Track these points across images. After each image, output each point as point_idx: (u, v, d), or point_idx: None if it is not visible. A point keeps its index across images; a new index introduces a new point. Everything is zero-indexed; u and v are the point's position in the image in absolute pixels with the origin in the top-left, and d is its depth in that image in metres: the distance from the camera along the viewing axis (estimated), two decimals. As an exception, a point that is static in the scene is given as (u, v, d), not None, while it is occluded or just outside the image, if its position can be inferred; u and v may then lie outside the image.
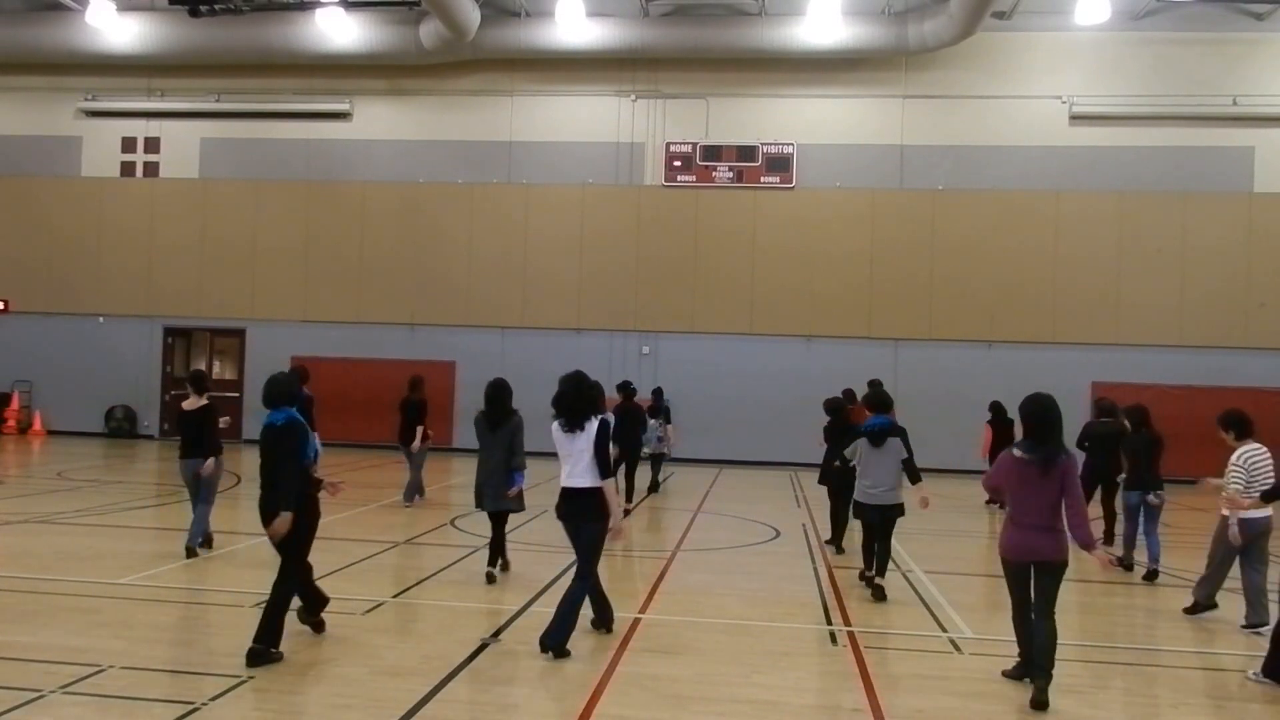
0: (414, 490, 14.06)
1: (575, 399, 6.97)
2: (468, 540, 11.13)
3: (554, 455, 7.05)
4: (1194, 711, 6.13)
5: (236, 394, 22.96)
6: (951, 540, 12.74)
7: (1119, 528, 11.34)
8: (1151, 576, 10.09)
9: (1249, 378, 20.17)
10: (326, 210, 23.59)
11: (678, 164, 22.75)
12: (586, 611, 7.49)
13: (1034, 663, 6.04)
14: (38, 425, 23.58)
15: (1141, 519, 10.41)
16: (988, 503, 15.48)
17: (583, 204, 22.92)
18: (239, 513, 12.88)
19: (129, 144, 24.25)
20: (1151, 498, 10.25)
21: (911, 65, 22.10)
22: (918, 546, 11.53)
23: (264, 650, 6.28)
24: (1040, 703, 5.87)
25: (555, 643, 6.69)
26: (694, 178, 22.68)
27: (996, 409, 15.56)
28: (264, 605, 6.47)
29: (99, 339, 23.98)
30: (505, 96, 23.10)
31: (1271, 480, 7.65)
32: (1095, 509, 10.93)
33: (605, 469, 6.92)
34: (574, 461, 6.90)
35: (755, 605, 8.44)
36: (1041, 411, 6.14)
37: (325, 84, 23.36)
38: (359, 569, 9.40)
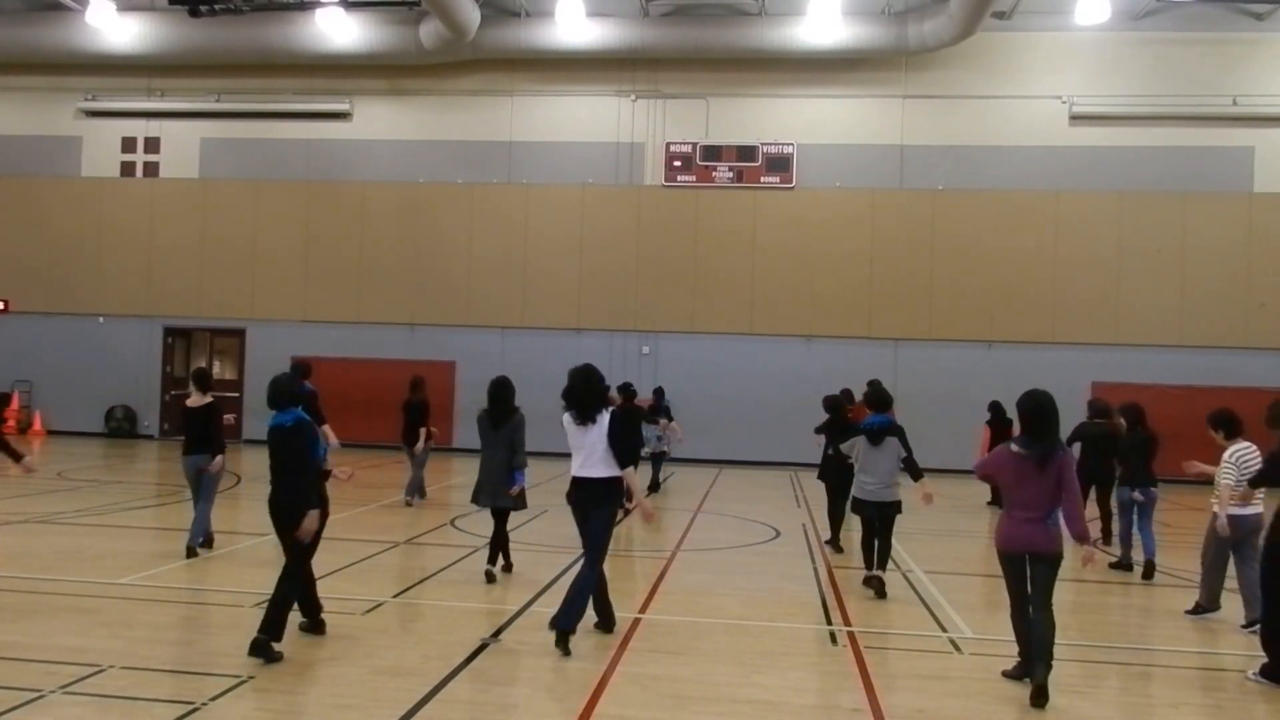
0: (416, 489, 14.10)
1: (585, 392, 7.08)
2: (468, 540, 11.13)
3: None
4: (1193, 712, 6.13)
5: (236, 394, 22.96)
6: (951, 540, 12.74)
7: (1116, 527, 11.35)
8: (1149, 571, 10.13)
9: (1249, 378, 20.16)
10: (326, 210, 23.59)
11: (678, 164, 22.75)
12: (588, 611, 7.51)
13: (1034, 654, 6.07)
14: (38, 425, 23.59)
15: (1135, 515, 10.48)
16: (989, 503, 15.51)
17: (583, 204, 22.92)
18: (239, 512, 12.89)
19: (129, 144, 24.26)
20: (1137, 494, 10.34)
21: (911, 65, 22.10)
22: (918, 546, 11.54)
23: (266, 641, 6.30)
24: (1041, 690, 5.92)
25: (562, 626, 6.79)
26: (694, 178, 22.68)
27: (995, 408, 15.58)
28: (265, 604, 6.48)
29: (99, 339, 23.98)
30: (505, 96, 23.11)
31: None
32: (1091, 509, 10.94)
33: (623, 459, 7.08)
34: (586, 453, 7.04)
35: (755, 605, 8.44)
36: (1038, 408, 6.23)
37: (325, 84, 23.36)
38: (359, 569, 9.40)
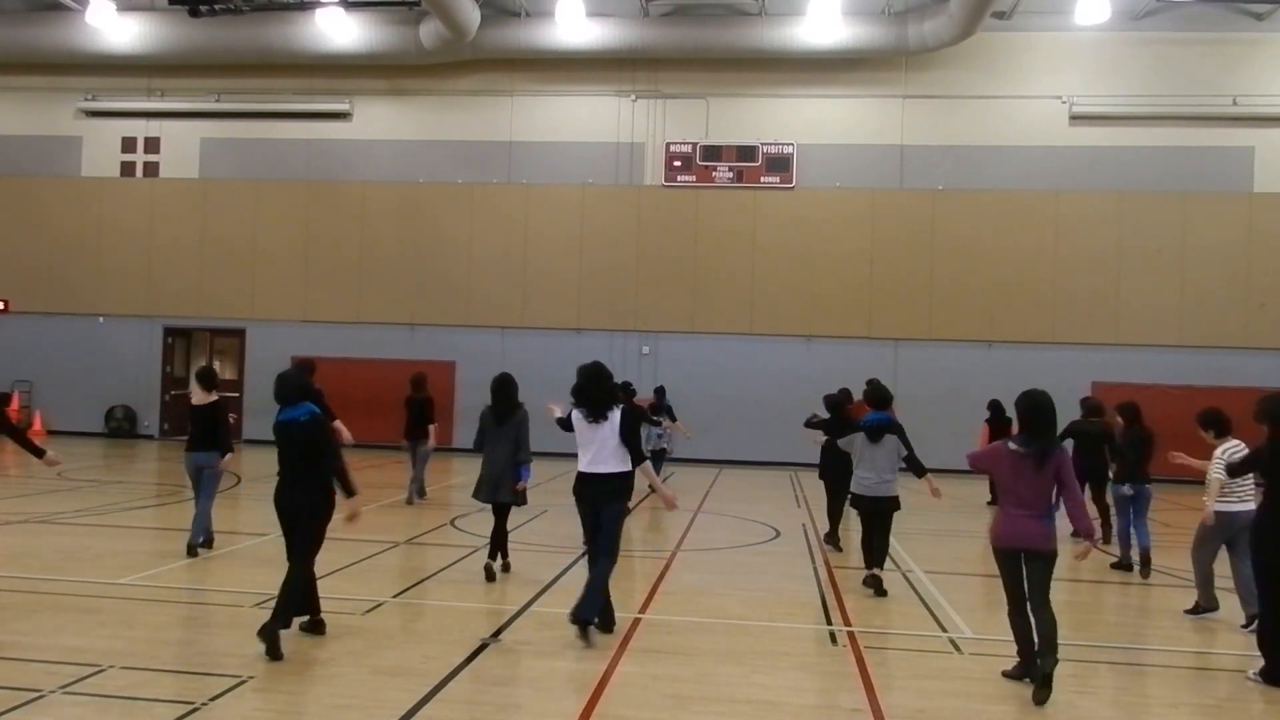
0: (418, 488, 14.14)
1: (596, 390, 7.22)
2: (468, 540, 11.13)
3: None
4: (1192, 711, 6.13)
5: (236, 394, 22.95)
6: (951, 540, 12.75)
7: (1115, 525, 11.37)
8: (1145, 564, 10.23)
9: (1249, 378, 20.13)
10: (326, 210, 23.59)
11: (678, 164, 22.75)
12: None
13: (1041, 649, 6.12)
14: (38, 425, 23.56)
15: (1130, 512, 10.53)
16: (989, 503, 15.50)
17: (583, 204, 22.92)
18: (239, 512, 12.89)
19: (129, 144, 24.26)
20: (1126, 488, 10.39)
21: (911, 65, 22.10)
22: (918, 546, 11.55)
23: (273, 630, 6.35)
24: (1047, 680, 5.99)
25: (585, 617, 6.94)
26: (694, 178, 22.68)
27: (994, 407, 15.61)
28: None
29: (99, 339, 23.98)
30: (505, 96, 23.10)
31: (1250, 476, 7.72)
32: (1090, 509, 10.94)
33: (638, 455, 7.28)
34: (596, 449, 7.16)
35: (755, 605, 8.44)
36: (1037, 407, 6.28)
37: (325, 84, 23.36)
38: (359, 569, 9.40)
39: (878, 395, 9.62)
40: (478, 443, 9.17)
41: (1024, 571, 6.25)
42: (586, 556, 7.51)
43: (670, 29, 21.88)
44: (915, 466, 9.11)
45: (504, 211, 23.13)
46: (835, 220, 22.26)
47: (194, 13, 21.95)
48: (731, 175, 22.60)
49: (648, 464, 7.35)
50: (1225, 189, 21.47)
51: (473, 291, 23.09)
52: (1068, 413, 6.53)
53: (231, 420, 10.48)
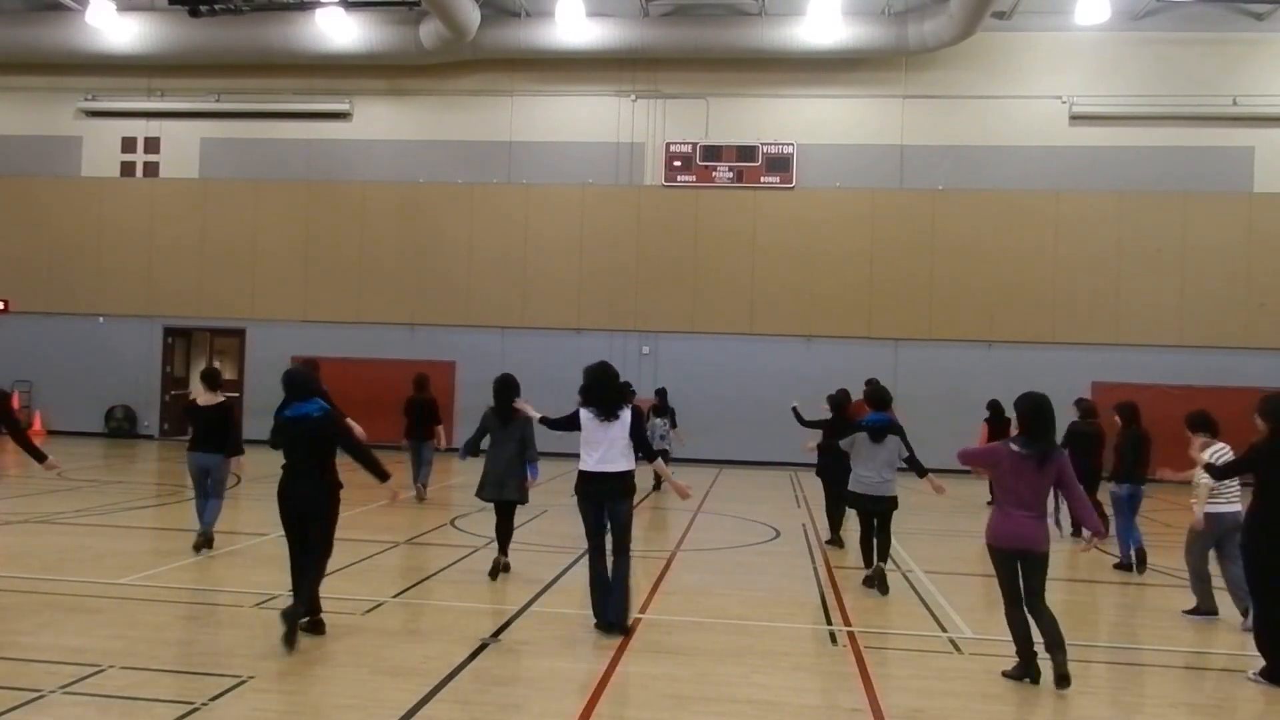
0: (422, 487, 14.18)
1: (607, 390, 7.36)
2: (468, 540, 11.13)
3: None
4: (1192, 711, 6.13)
5: (237, 394, 22.92)
6: (951, 540, 12.74)
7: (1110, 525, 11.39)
8: (1141, 563, 10.41)
9: (1249, 378, 20.13)
10: (326, 210, 23.59)
11: (678, 164, 22.75)
12: (587, 611, 7.51)
13: (1050, 644, 6.21)
14: (38, 425, 23.56)
15: (1128, 511, 10.62)
16: (989, 503, 15.49)
17: (583, 204, 22.92)
18: (239, 512, 12.88)
19: (129, 144, 24.26)
20: (1114, 486, 10.51)
21: (911, 65, 22.10)
22: (918, 546, 11.55)
23: (296, 613, 6.51)
24: (1064, 677, 6.08)
25: (620, 618, 7.20)
26: (694, 178, 22.68)
27: (994, 407, 15.61)
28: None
29: (99, 339, 23.98)
30: (505, 96, 23.10)
31: (1236, 479, 7.74)
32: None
33: (650, 451, 7.67)
34: (605, 448, 7.28)
35: (755, 605, 8.44)
36: (1038, 409, 6.36)
37: (325, 84, 23.36)
38: (359, 569, 9.40)
39: (879, 396, 9.70)
40: (471, 444, 9.15)
41: (1020, 574, 6.34)
42: (588, 555, 7.51)
43: (670, 29, 21.88)
44: (916, 467, 9.18)
45: (504, 211, 23.13)
46: (835, 220, 22.26)
47: (194, 13, 21.95)
48: (731, 175, 22.60)
49: (660, 460, 7.66)
50: (1225, 189, 21.47)
51: (473, 291, 23.09)
52: (1063, 412, 6.57)
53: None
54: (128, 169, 24.30)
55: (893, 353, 21.89)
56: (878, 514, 9.23)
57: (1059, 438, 6.92)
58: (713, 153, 22.64)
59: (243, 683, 5.88)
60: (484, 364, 21.13)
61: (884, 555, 9.21)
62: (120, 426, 23.70)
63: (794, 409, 12.26)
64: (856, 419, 10.13)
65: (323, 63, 22.78)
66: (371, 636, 7.04)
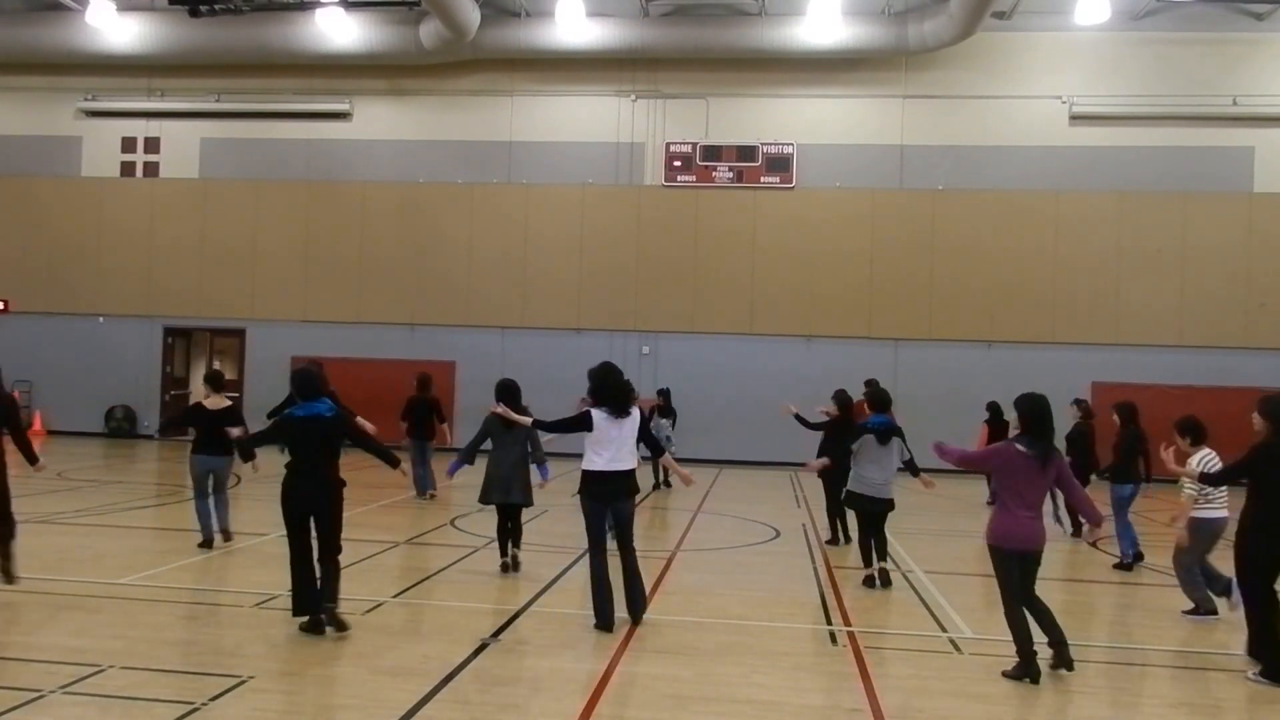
0: (424, 485, 14.18)
1: (617, 389, 7.45)
2: (468, 540, 11.13)
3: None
4: (1192, 710, 6.13)
5: (237, 394, 22.90)
6: (951, 540, 12.75)
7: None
8: (1138, 559, 10.54)
9: (1249, 378, 20.13)
10: (326, 210, 23.59)
11: (678, 164, 22.74)
12: (587, 611, 7.52)
13: (1052, 638, 6.38)
14: (38, 425, 23.56)
15: (1125, 510, 10.68)
16: (988, 502, 15.50)
17: (583, 204, 22.91)
18: (240, 512, 12.85)
19: (129, 144, 24.26)
20: (1121, 488, 10.58)
21: (911, 65, 22.10)
22: (918, 546, 11.55)
23: (316, 601, 6.81)
24: (1066, 660, 6.31)
25: (641, 611, 7.47)
26: (694, 178, 22.68)
27: (993, 408, 15.64)
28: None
29: (99, 339, 23.98)
30: (505, 96, 23.10)
31: (1225, 485, 7.76)
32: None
33: (657, 446, 7.99)
34: (617, 446, 7.39)
35: (755, 605, 8.44)
36: (1039, 409, 6.49)
37: (325, 84, 23.36)
38: (360, 569, 9.40)
39: (881, 398, 9.79)
40: (467, 453, 9.23)
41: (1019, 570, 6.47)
42: (589, 555, 7.51)
43: (670, 29, 21.88)
44: (913, 468, 9.38)
45: (504, 211, 23.13)
46: (835, 220, 22.25)
47: (194, 13, 21.95)
48: (731, 175, 22.60)
49: (668, 455, 8.01)
50: (1225, 189, 21.47)
51: (473, 291, 23.09)
52: (1062, 412, 6.63)
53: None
54: (128, 169, 24.30)
55: (893, 353, 21.89)
56: (880, 515, 9.34)
57: (1060, 439, 6.98)
58: (713, 153, 22.63)
59: (243, 683, 5.88)
60: (484, 364, 21.20)
61: (883, 554, 9.35)
62: (120, 427, 23.70)
63: (796, 415, 12.19)
64: (862, 421, 10.16)
65: (323, 63, 22.78)
66: (371, 636, 7.04)
